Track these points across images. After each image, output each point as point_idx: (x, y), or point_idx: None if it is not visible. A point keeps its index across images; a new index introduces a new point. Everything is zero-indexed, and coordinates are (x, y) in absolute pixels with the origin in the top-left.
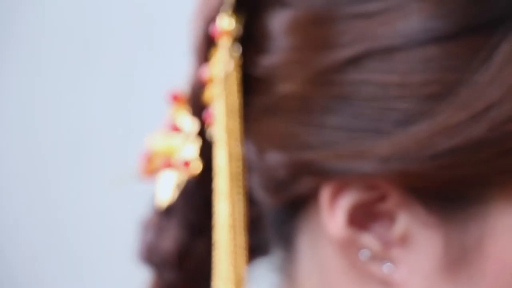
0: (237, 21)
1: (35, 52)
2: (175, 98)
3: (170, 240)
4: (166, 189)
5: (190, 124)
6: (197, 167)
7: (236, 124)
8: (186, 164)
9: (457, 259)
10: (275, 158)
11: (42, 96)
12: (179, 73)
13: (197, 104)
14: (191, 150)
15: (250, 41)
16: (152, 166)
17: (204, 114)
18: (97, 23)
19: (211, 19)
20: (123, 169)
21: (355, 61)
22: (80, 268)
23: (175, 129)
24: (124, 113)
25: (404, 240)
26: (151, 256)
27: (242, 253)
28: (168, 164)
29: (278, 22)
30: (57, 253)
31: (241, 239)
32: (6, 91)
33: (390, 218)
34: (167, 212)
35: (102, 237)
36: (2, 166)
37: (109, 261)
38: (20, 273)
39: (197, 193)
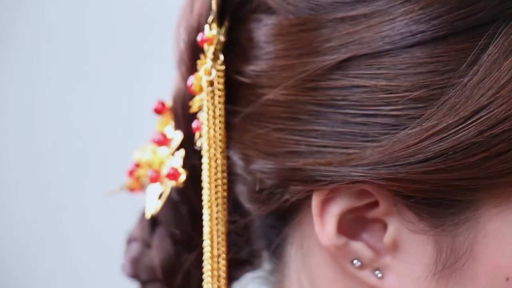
0: (221, 30)
1: (34, 53)
2: (160, 110)
3: (155, 254)
4: (152, 201)
5: (175, 135)
6: (182, 178)
7: (221, 133)
8: (172, 175)
9: (449, 265)
10: (262, 167)
11: (41, 97)
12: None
13: (182, 115)
14: (176, 161)
15: (235, 49)
16: (139, 178)
17: (190, 125)
18: (97, 25)
19: (195, 28)
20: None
21: (341, 66)
22: (75, 268)
23: (161, 140)
24: (123, 115)
25: (395, 247)
26: (136, 271)
27: (224, 264)
28: (154, 176)
29: (263, 29)
30: (51, 253)
31: (223, 250)
32: (6, 92)
33: (381, 225)
34: (153, 225)
35: (99, 239)
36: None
37: (105, 263)
38: (13, 272)
39: (183, 205)
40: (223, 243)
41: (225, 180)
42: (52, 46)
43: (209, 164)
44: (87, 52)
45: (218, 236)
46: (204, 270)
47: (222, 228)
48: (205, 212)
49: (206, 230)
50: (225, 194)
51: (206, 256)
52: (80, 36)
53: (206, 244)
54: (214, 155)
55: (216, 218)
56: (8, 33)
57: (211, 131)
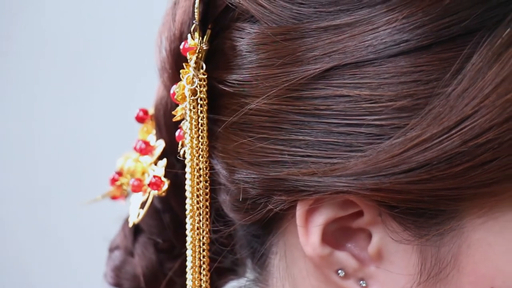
0: (204, 38)
1: (34, 59)
2: (142, 118)
3: (138, 263)
4: (135, 209)
5: (158, 143)
6: (165, 187)
7: (204, 143)
8: (154, 184)
9: (433, 275)
10: (245, 176)
11: (38, 101)
12: None
13: (165, 124)
14: (159, 170)
15: (218, 58)
16: (121, 186)
17: (173, 133)
18: (96, 31)
19: (177, 37)
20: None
21: (325, 76)
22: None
23: (144, 149)
24: (118, 120)
25: (379, 257)
26: (119, 279)
27: (207, 274)
28: (137, 185)
29: (246, 38)
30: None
31: (206, 260)
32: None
33: (365, 235)
34: (135, 233)
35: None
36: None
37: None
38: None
39: (166, 213)
40: (206, 252)
41: (207, 190)
42: (41, 58)
43: (192, 173)
44: (84, 64)
45: (200, 246)
46: (186, 279)
47: (204, 237)
48: (188, 222)
49: (188, 239)
50: (207, 203)
51: (189, 265)
52: (76, 55)
53: (188, 253)
54: (197, 164)
55: (198, 228)
56: (7, 35)
57: (194, 141)
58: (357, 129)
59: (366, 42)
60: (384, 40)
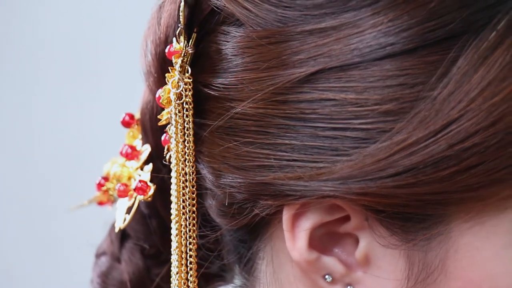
0: (189, 42)
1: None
2: (128, 122)
3: (125, 269)
4: (121, 214)
5: (144, 148)
6: (151, 192)
7: (190, 147)
8: (140, 189)
9: (420, 280)
10: (231, 181)
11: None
12: None
13: (150, 128)
14: (145, 175)
15: (204, 62)
16: (107, 191)
17: (158, 138)
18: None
19: (162, 41)
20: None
21: (310, 79)
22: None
23: (130, 153)
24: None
25: (366, 262)
26: (105, 286)
27: (194, 280)
28: (123, 190)
29: (231, 41)
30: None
31: (193, 266)
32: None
33: (353, 239)
34: (122, 239)
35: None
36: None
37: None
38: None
39: (152, 219)
40: (193, 258)
41: (194, 195)
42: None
43: (178, 178)
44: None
45: (186, 252)
46: (172, 285)
47: (191, 243)
48: (173, 227)
49: (174, 244)
50: (194, 208)
51: (174, 271)
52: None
53: (173, 259)
54: (183, 169)
55: (184, 233)
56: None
57: (180, 145)
58: (343, 133)
59: (351, 45)
60: (369, 44)
